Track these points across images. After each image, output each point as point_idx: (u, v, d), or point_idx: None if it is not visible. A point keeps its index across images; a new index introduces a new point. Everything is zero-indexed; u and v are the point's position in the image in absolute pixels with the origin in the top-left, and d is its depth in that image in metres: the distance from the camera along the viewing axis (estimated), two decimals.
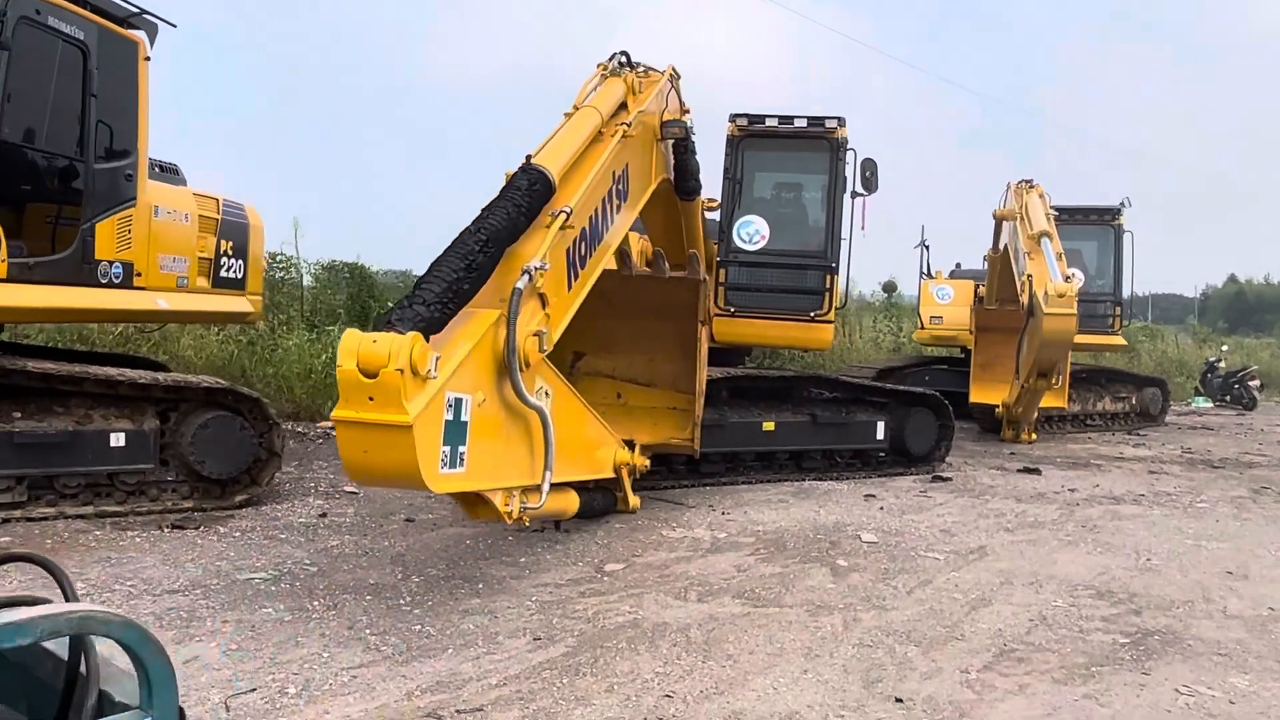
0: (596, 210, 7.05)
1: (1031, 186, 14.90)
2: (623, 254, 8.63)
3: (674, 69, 9.29)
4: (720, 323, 10.92)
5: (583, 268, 6.77)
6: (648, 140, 8.56)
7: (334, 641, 5.22)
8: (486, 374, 5.24)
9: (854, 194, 11.02)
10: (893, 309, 29.50)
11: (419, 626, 5.51)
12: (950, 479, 11.51)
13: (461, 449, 4.99)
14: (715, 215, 12.40)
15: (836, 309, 10.88)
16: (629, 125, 7.66)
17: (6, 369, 7.48)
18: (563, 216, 6.17)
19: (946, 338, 18.43)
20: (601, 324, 9.31)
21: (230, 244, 10.59)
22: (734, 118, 11.11)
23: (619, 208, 7.66)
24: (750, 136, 11.08)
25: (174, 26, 8.94)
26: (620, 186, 7.67)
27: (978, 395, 15.73)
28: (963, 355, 17.91)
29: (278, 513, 8.19)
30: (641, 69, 8.89)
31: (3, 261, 7.18)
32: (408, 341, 4.38)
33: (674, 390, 9.35)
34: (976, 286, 17.87)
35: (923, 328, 18.85)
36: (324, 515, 8.15)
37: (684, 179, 9.49)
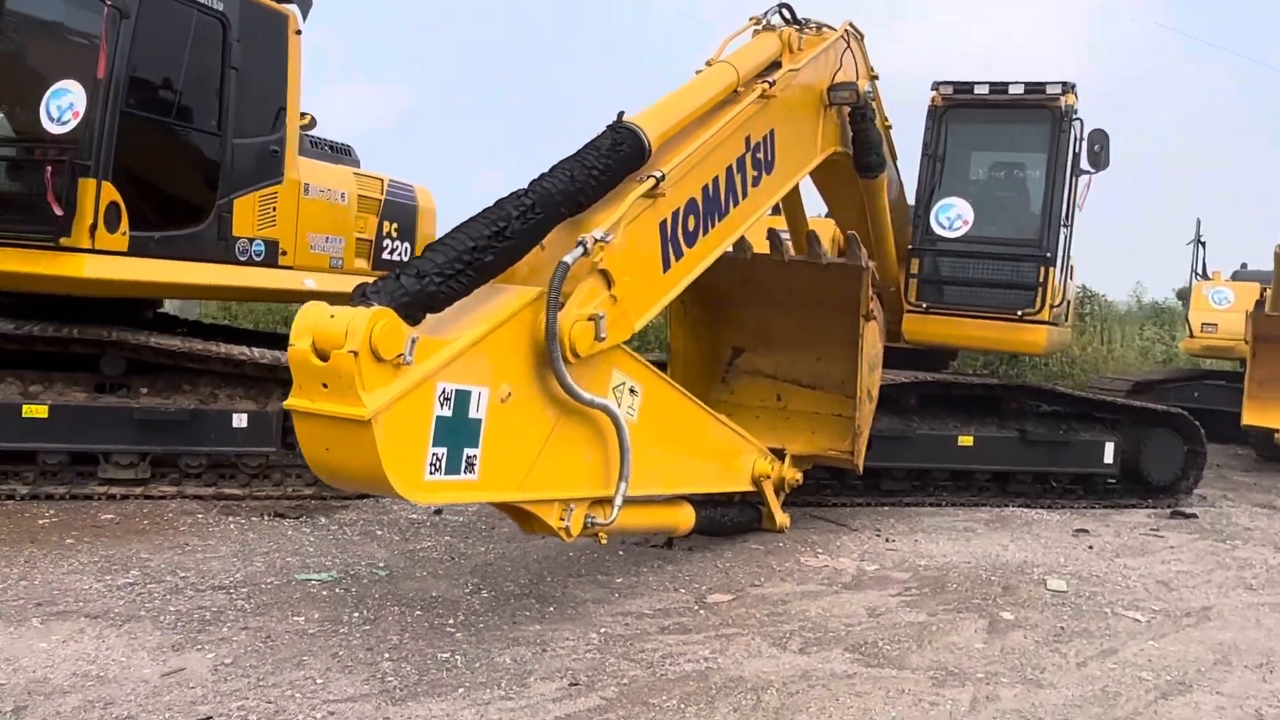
0: (715, 180, 6.03)
1: None
2: (775, 236, 7.54)
3: (851, 26, 8.08)
4: (911, 320, 9.54)
5: (690, 245, 5.77)
6: (808, 105, 7.42)
7: (340, 665, 4.56)
8: (516, 363, 4.39)
9: (1080, 171, 9.33)
10: (1163, 315, 26.10)
11: (448, 655, 4.76)
12: (1195, 515, 9.56)
13: (470, 452, 4.16)
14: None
15: (1054, 306, 9.22)
16: (771, 84, 6.58)
17: (132, 344, 7.40)
18: (650, 182, 5.22)
19: (1220, 349, 15.83)
20: (760, 316, 8.31)
21: (395, 225, 10.37)
22: (937, 85, 9.68)
23: (756, 179, 6.59)
24: (956, 107, 9.62)
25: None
26: (759, 155, 6.60)
27: (1252, 417, 13.23)
28: (1241, 369, 15.32)
29: (392, 506, 7.70)
30: (812, 25, 7.76)
31: (124, 235, 7.07)
32: (368, 318, 3.59)
33: (842, 395, 8.12)
34: (1262, 290, 15.25)
35: (1192, 336, 16.33)
36: (439, 512, 7.58)
37: (863, 152, 8.24)
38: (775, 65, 6.98)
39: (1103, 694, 4.79)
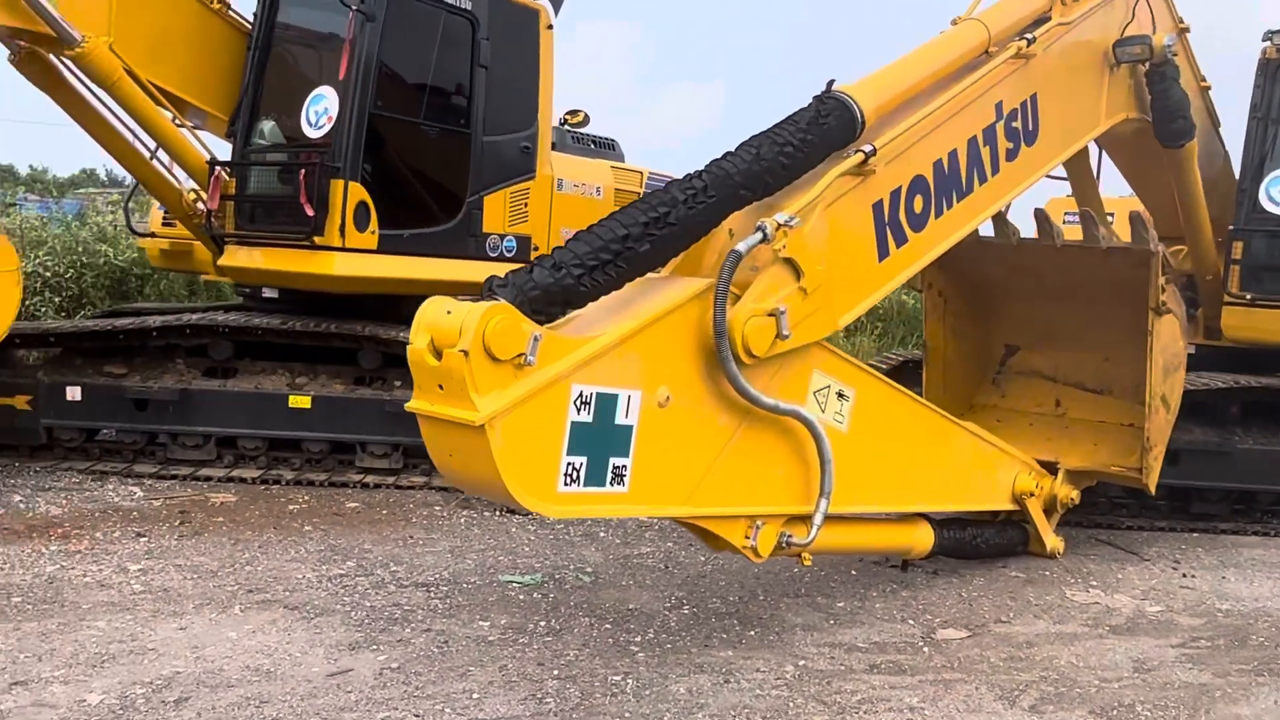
0: (953, 153, 5.23)
1: None
2: (1043, 216, 6.52)
3: None
4: (1233, 314, 8.06)
5: (917, 230, 5.02)
6: (1087, 64, 6.36)
7: (505, 679, 4.30)
8: (678, 364, 3.90)
9: None
10: None
11: (620, 678, 4.38)
12: None
13: (618, 462, 3.73)
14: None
15: None
16: (1030, 42, 5.66)
17: (383, 338, 7.62)
18: (857, 157, 4.55)
19: None
20: (1037, 310, 7.29)
21: None
22: (1271, 35, 8.09)
23: (1012, 152, 5.69)
24: None
25: None
26: (1014, 124, 5.69)
27: None
28: None
29: None
30: None
31: (373, 234, 7.28)
32: (481, 314, 3.25)
33: (1133, 402, 6.91)
34: None
35: None
36: None
37: (1165, 119, 7.00)
38: (1044, 21, 6.03)
39: None
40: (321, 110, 7.25)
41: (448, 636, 4.73)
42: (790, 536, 4.54)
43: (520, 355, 3.34)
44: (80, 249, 12.40)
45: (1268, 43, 8.08)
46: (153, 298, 12.46)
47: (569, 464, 3.57)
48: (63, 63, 7.28)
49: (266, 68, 7.72)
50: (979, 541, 6.26)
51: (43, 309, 11.67)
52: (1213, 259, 8.17)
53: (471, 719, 3.92)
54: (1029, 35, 5.72)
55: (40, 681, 4.01)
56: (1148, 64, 6.80)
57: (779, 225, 4.08)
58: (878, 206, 4.77)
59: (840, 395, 4.75)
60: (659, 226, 3.88)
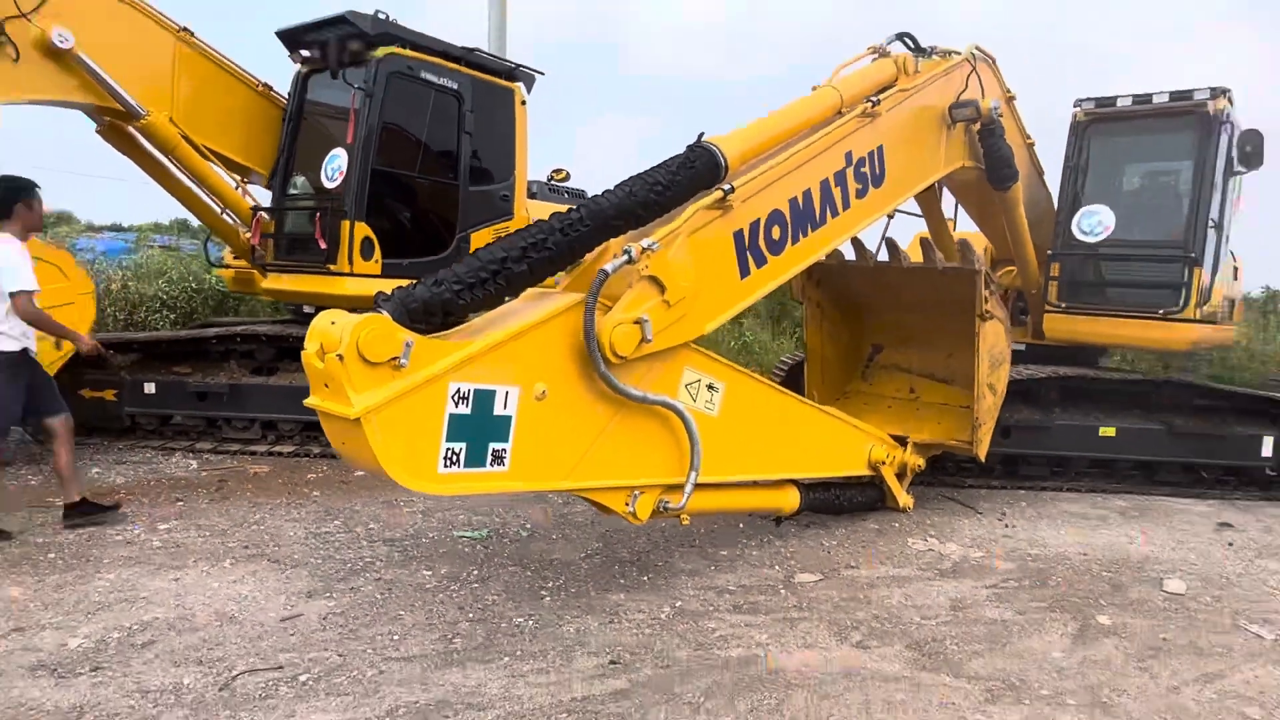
0: (807, 192, 4.73)
1: None
2: (892, 245, 6.02)
3: (978, 50, 6.35)
4: (1052, 319, 7.52)
5: (776, 253, 4.53)
6: (927, 122, 5.85)
7: (427, 621, 3.84)
8: (555, 364, 3.44)
9: (1233, 172, 6.94)
10: None
11: (521, 620, 3.91)
12: None
13: (498, 446, 3.27)
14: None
15: (1200, 306, 6.89)
16: (875, 103, 5.16)
17: None
18: (717, 194, 4.07)
19: None
20: (895, 317, 6.79)
21: None
22: (1079, 103, 7.56)
23: (861, 191, 5.19)
24: (1099, 121, 7.45)
25: (542, 74, 8.08)
26: (863, 169, 5.19)
27: None
28: None
29: None
30: (939, 51, 6.18)
31: (376, 262, 6.82)
32: (354, 325, 2.79)
33: (971, 389, 6.44)
34: None
35: None
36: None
37: (994, 167, 6.50)
38: (890, 87, 5.53)
39: None
40: (336, 167, 6.78)
41: (393, 584, 4.27)
42: (667, 502, 4.06)
43: (394, 359, 2.87)
44: (191, 277, 11.95)
45: (1077, 108, 7.53)
46: (244, 314, 12.01)
47: (449, 449, 3.10)
48: (135, 132, 6.82)
49: (298, 135, 7.25)
50: (842, 500, 5.76)
51: (161, 324, 11.20)
52: (1036, 277, 7.64)
53: (387, 658, 3.45)
54: (875, 98, 5.23)
55: (36, 627, 3.57)
56: (978, 123, 6.30)
57: (643, 249, 3.60)
58: (738, 235, 4.28)
59: (710, 387, 4.26)
60: (536, 251, 3.41)
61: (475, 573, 4.49)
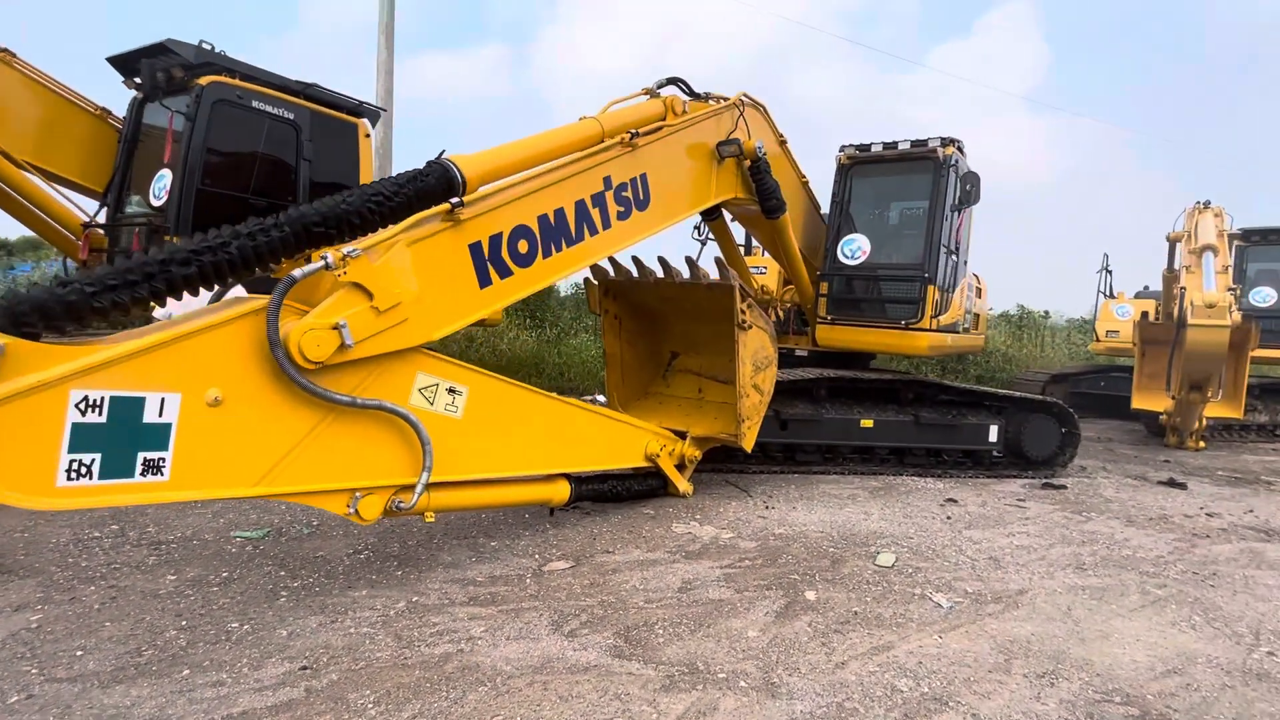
0: (559, 211, 4.22)
1: (1207, 207, 9.14)
2: (662, 262, 5.60)
3: (745, 96, 6.03)
4: (822, 330, 7.31)
5: (524, 265, 4.00)
6: (695, 156, 5.47)
7: (127, 633, 3.07)
8: (233, 368, 2.79)
9: (954, 207, 6.87)
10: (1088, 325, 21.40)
11: (237, 625, 3.19)
12: (1064, 487, 6.87)
13: (151, 455, 2.59)
14: None
15: (935, 317, 6.79)
16: (634, 136, 4.71)
17: None
18: (444, 207, 3.50)
19: (1120, 349, 12.48)
20: (685, 326, 6.37)
21: None
22: (843, 148, 7.39)
23: (623, 213, 4.73)
24: (858, 164, 7.30)
25: (384, 110, 7.35)
26: (625, 193, 4.73)
27: (1140, 402, 10.04)
28: None
29: None
30: (714, 98, 5.81)
31: None
32: None
33: None
34: (1156, 306, 11.91)
35: (1098, 340, 12.98)
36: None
37: (763, 198, 6.19)
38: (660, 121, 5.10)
39: (836, 712, 2.71)
40: (162, 186, 5.87)
41: (122, 592, 3.47)
42: (400, 502, 3.45)
43: None
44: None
45: (841, 153, 7.35)
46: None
47: (73, 461, 2.39)
48: None
49: (132, 156, 6.29)
50: (620, 489, 5.27)
51: None
52: (810, 293, 7.41)
53: (50, 679, 2.69)
54: (636, 131, 4.78)
55: None
56: (749, 160, 5.96)
57: (342, 256, 2.98)
58: (475, 247, 3.71)
59: (451, 390, 3.67)
60: (211, 254, 2.74)
61: (225, 574, 3.74)
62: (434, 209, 3.48)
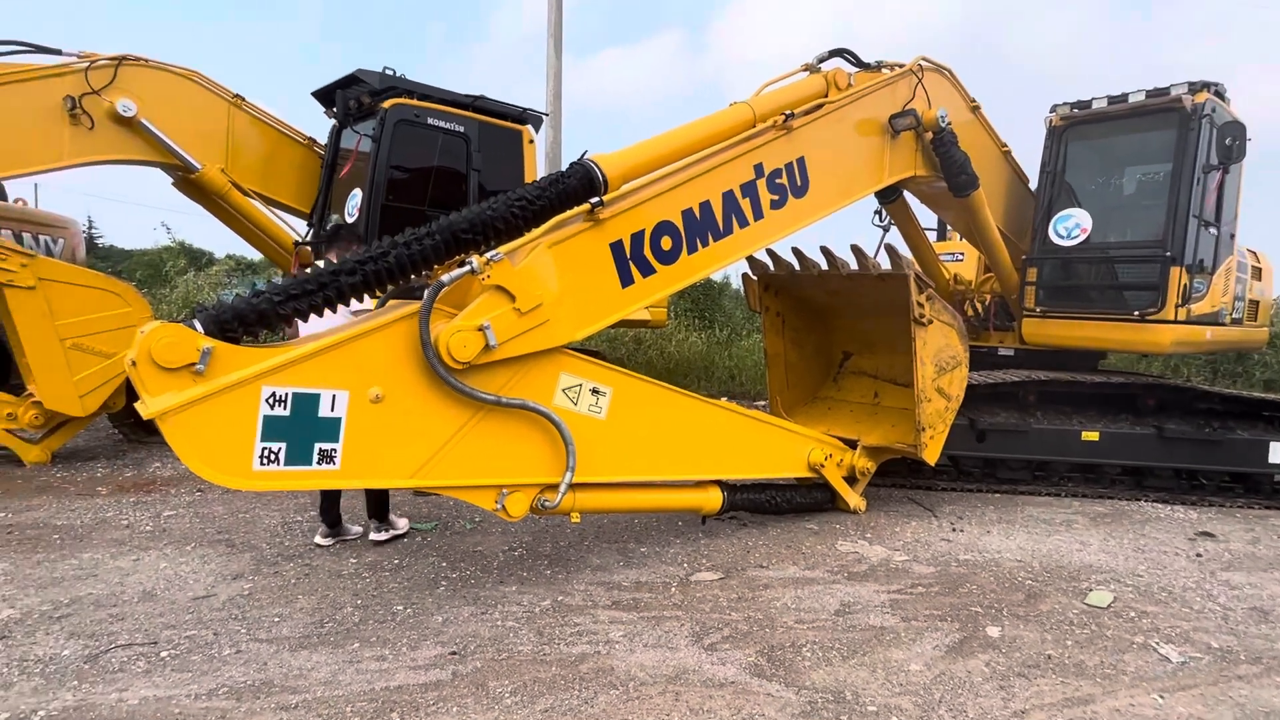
0: (705, 204, 4.32)
1: None
2: (825, 252, 5.43)
3: (925, 60, 5.70)
4: (1030, 324, 6.63)
5: (667, 263, 4.14)
6: (862, 133, 5.29)
7: (314, 606, 3.69)
8: (393, 368, 3.22)
9: (1209, 168, 5.88)
10: None
11: (401, 608, 3.70)
12: None
13: (325, 446, 3.08)
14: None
15: (1181, 305, 5.85)
16: (792, 116, 4.68)
17: None
18: (584, 207, 3.75)
19: None
20: (859, 323, 6.20)
21: None
22: (1055, 108, 6.64)
23: (778, 201, 4.71)
24: (1075, 124, 6.52)
25: (548, 115, 7.94)
26: (779, 180, 4.71)
27: None
28: None
29: None
30: (887, 65, 5.59)
31: None
32: (148, 333, 2.68)
33: None
34: None
35: None
36: None
37: (950, 174, 5.81)
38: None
39: None
40: (355, 204, 6.89)
41: (313, 570, 4.16)
42: (545, 500, 3.76)
43: (191, 365, 2.74)
44: None
45: (1052, 113, 6.64)
46: None
47: (265, 448, 2.94)
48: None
49: (333, 179, 7.44)
50: (779, 501, 5.23)
51: None
52: (1014, 281, 6.77)
53: (254, 639, 3.33)
54: (791, 112, 4.75)
55: None
56: (930, 133, 5.64)
57: (486, 260, 3.35)
58: (616, 245, 3.93)
59: (595, 391, 3.93)
60: (374, 263, 3.22)
61: (396, 562, 4.33)
62: (575, 210, 3.76)
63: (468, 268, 3.31)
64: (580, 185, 3.80)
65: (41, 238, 8.19)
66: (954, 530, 5.23)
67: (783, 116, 4.67)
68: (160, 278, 14.52)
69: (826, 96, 5.09)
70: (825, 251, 5.38)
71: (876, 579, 4.23)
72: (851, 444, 5.49)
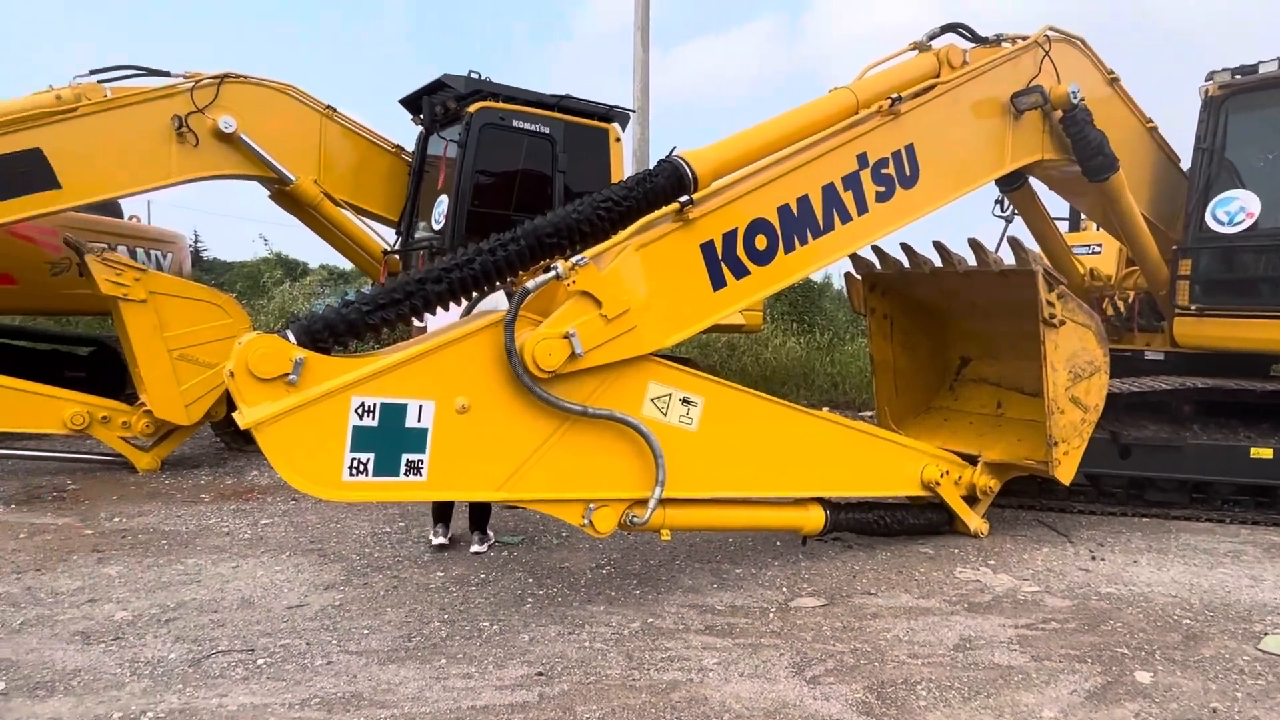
0: (803, 199, 4.21)
1: None
2: (939, 247, 5.17)
3: (1052, 30, 5.37)
4: (1183, 324, 6.09)
5: (762, 264, 4.06)
6: (980, 115, 5.03)
7: (402, 619, 3.81)
8: (477, 378, 3.28)
9: None
10: None
11: (488, 624, 3.78)
12: None
13: (412, 457, 3.17)
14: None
15: None
16: (899, 100, 4.51)
17: None
18: (673, 207, 3.73)
19: None
20: (979, 325, 5.92)
21: None
22: (1212, 75, 6.09)
23: (884, 194, 4.54)
24: (1237, 94, 5.95)
25: (634, 111, 8.00)
26: (885, 170, 4.54)
27: None
28: None
29: None
30: (1008, 39, 5.32)
31: None
32: (244, 345, 2.85)
33: None
34: None
35: None
36: None
37: (1084, 157, 5.46)
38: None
39: None
40: (441, 211, 7.16)
41: (402, 583, 4.31)
42: (634, 516, 3.76)
43: (285, 375, 2.90)
44: None
45: (1209, 82, 6.10)
46: None
47: (354, 459, 3.07)
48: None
49: (420, 186, 7.76)
50: (889, 521, 5.03)
51: None
52: (1164, 276, 6.25)
53: (345, 650, 3.47)
54: (899, 95, 4.58)
55: (105, 600, 4.01)
56: (1060, 111, 5.32)
57: (571, 265, 3.38)
58: (707, 246, 3.89)
59: (685, 401, 3.90)
60: (459, 270, 3.32)
61: (483, 576, 4.43)
62: (663, 210, 3.75)
63: (553, 273, 3.35)
64: (668, 184, 3.78)
65: (153, 252, 8.96)
66: (1094, 559, 4.86)
67: (889, 101, 4.50)
68: (258, 289, 15.63)
69: (938, 76, 4.88)
70: (939, 246, 5.14)
71: (1002, 611, 3.98)
72: (971, 460, 5.22)
